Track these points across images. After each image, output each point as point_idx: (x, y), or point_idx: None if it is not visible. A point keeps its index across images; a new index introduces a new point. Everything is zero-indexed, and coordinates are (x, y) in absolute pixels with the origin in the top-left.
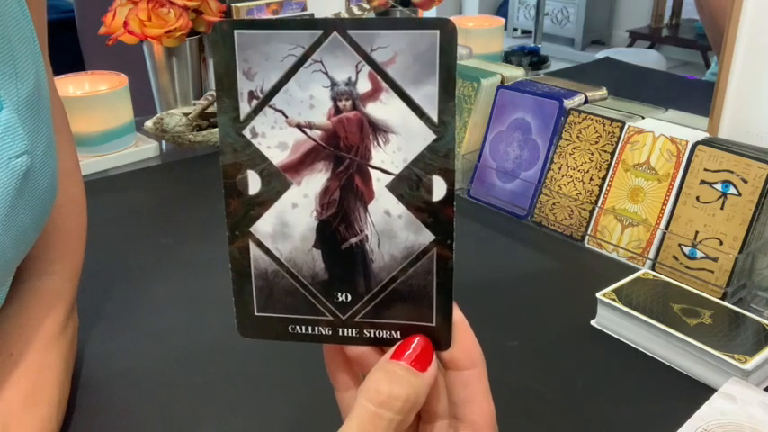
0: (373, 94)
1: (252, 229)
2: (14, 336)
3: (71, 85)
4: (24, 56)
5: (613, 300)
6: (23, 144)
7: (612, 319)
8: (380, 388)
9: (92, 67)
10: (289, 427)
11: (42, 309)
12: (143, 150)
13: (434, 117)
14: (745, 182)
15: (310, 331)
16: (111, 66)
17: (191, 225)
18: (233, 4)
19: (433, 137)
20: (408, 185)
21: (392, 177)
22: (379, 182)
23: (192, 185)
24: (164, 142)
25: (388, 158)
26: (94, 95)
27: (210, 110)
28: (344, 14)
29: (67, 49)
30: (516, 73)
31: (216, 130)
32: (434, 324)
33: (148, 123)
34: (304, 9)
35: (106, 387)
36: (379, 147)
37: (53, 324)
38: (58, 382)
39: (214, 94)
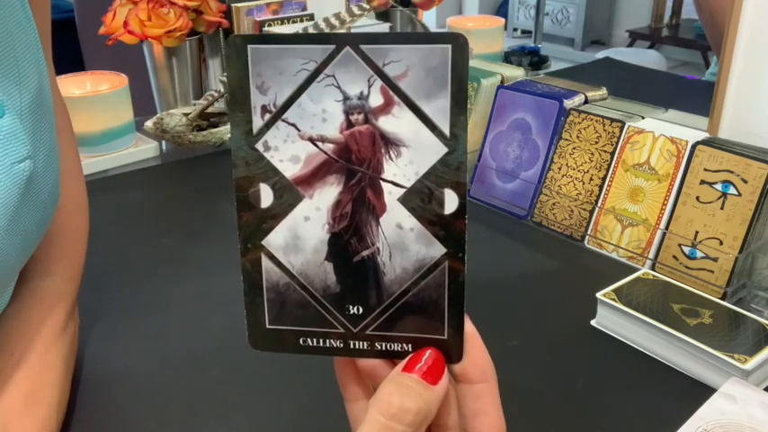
0: (385, 108)
1: (264, 242)
2: (15, 336)
3: (71, 85)
4: (27, 60)
5: (613, 300)
6: (26, 149)
7: (612, 319)
8: (392, 400)
9: (92, 67)
10: (290, 427)
11: (43, 309)
12: (143, 150)
13: (446, 130)
14: (745, 182)
15: (322, 344)
16: (111, 66)
17: (191, 225)
18: (233, 5)
19: (445, 150)
20: (420, 198)
21: (404, 190)
22: (391, 195)
23: (192, 185)
24: (164, 142)
25: (400, 172)
26: (95, 95)
27: (210, 110)
28: (344, 14)
29: (67, 49)
30: (516, 73)
31: (216, 130)
32: (446, 337)
33: (148, 123)
34: (304, 9)
35: (106, 387)
36: (391, 160)
37: (54, 324)
38: (58, 382)
39: (214, 94)
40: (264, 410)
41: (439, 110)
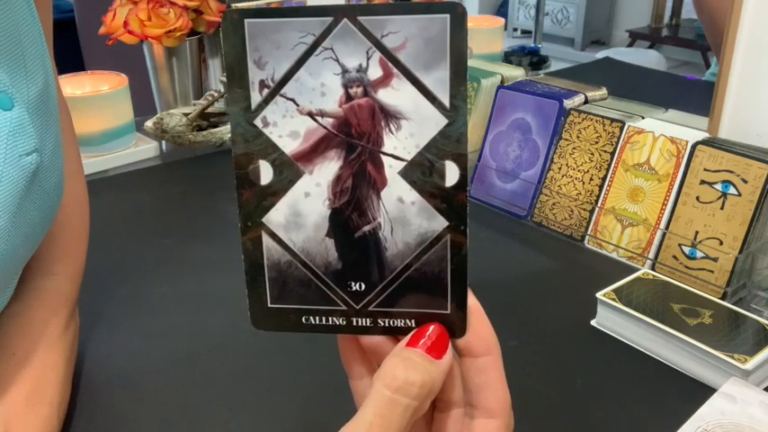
0: (384, 80)
1: (264, 220)
2: (17, 335)
3: (71, 86)
4: (34, 56)
5: (613, 300)
6: (33, 142)
7: (612, 319)
8: (396, 374)
9: (92, 67)
10: (291, 427)
11: (45, 309)
12: (143, 150)
13: (446, 102)
14: (745, 182)
15: (324, 322)
16: (111, 66)
17: (191, 225)
18: (233, 5)
19: (445, 122)
20: (421, 171)
21: (404, 164)
22: (392, 168)
23: (192, 185)
24: (164, 142)
25: (401, 145)
26: (94, 95)
27: (210, 110)
28: None
29: (67, 49)
30: (516, 73)
31: (216, 130)
32: (449, 311)
33: (148, 123)
34: None
35: (107, 387)
36: (391, 133)
37: (55, 324)
38: (60, 381)
39: (214, 94)
40: (267, 408)
41: (438, 81)
